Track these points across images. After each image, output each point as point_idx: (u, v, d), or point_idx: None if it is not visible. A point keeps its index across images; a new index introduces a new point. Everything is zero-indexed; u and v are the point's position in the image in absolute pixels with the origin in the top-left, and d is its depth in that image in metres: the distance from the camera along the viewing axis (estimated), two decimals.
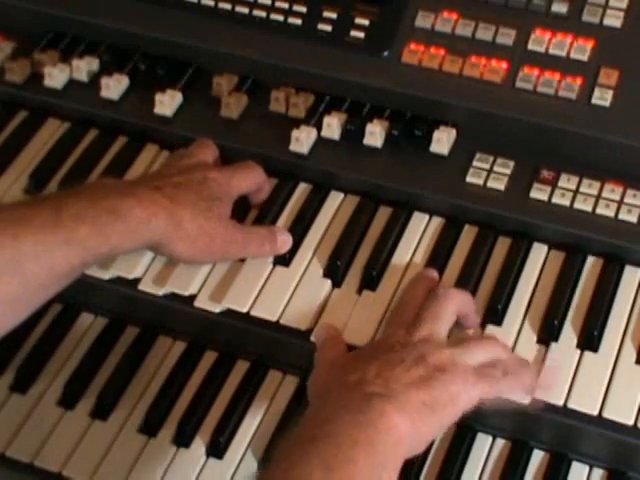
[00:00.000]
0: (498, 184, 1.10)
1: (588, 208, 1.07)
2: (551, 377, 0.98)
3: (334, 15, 1.18)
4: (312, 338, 1.04)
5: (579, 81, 1.10)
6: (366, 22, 1.17)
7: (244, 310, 1.06)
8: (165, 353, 1.14)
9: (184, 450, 1.07)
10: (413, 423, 0.88)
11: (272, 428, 1.07)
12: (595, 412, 0.97)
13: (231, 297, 1.07)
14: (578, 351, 1.01)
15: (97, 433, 1.09)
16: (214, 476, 1.05)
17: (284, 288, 1.08)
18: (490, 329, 1.03)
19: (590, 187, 1.08)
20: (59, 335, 1.17)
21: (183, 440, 1.07)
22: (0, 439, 1.09)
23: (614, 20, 1.12)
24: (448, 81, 1.13)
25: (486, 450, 1.03)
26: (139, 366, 1.14)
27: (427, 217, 1.13)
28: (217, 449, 1.06)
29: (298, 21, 1.19)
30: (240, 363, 1.12)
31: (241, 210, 1.14)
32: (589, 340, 1.01)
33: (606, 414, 0.96)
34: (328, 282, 1.08)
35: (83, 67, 1.24)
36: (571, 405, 0.97)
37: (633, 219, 1.06)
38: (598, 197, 1.08)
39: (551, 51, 1.12)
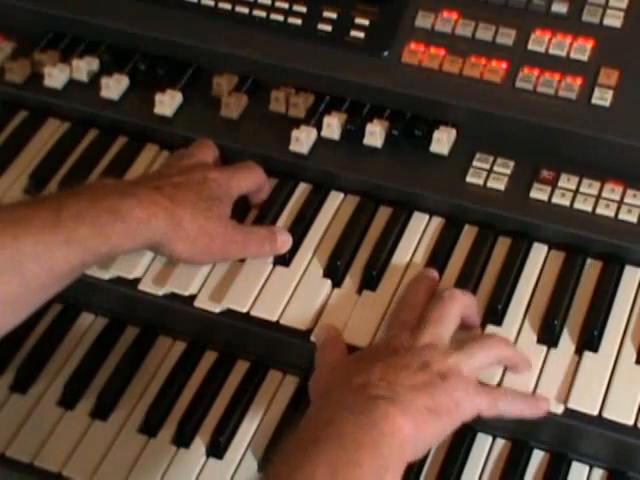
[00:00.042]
0: (498, 184, 1.10)
1: (588, 208, 1.07)
2: (544, 410, 0.98)
3: (334, 15, 1.18)
4: (312, 338, 1.04)
5: (579, 81, 1.10)
6: (366, 22, 1.17)
7: (244, 310, 1.06)
8: (165, 353, 1.14)
9: (184, 450, 1.07)
10: (417, 426, 0.88)
11: (272, 428, 1.07)
12: (595, 412, 0.97)
13: (231, 297, 1.07)
14: (578, 351, 1.01)
15: (97, 433, 1.09)
16: (214, 476, 1.05)
17: (284, 288, 1.08)
18: (490, 329, 1.03)
19: (590, 187, 1.08)
20: (59, 335, 1.17)
21: (183, 440, 1.07)
22: (0, 439, 1.09)
23: (614, 20, 1.12)
24: (448, 81, 1.13)
25: (486, 450, 1.03)
26: (139, 366, 1.14)
27: (427, 217, 1.13)
28: (217, 449, 1.06)
29: (298, 21, 1.19)
30: (240, 363, 1.13)
31: (241, 210, 1.14)
32: (589, 340, 1.01)
33: (606, 414, 0.96)
34: (328, 282, 1.08)
35: (83, 67, 1.24)
36: (571, 405, 0.97)
37: (633, 219, 1.06)
38: (598, 197, 1.08)
39: (551, 51, 1.12)
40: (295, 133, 1.15)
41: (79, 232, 0.96)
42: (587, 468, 1.02)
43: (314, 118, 1.17)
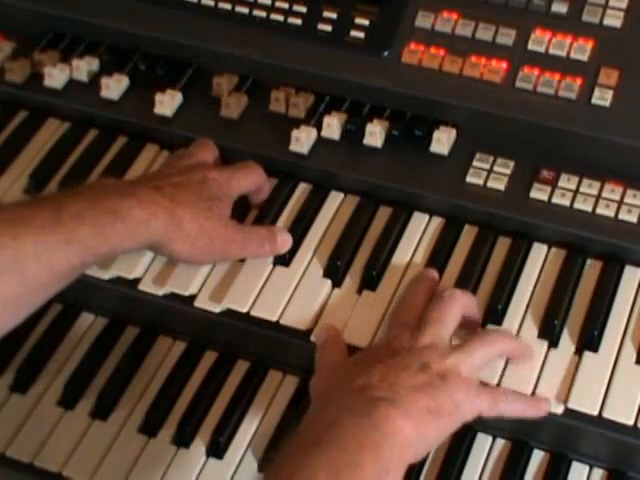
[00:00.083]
0: (498, 184, 1.10)
1: (588, 208, 1.07)
2: (545, 411, 0.98)
3: (334, 15, 1.18)
4: (312, 338, 1.04)
5: (579, 81, 1.10)
6: (366, 22, 1.17)
7: (244, 310, 1.06)
8: (165, 353, 1.14)
9: (184, 450, 1.07)
10: (418, 427, 0.88)
11: (272, 428, 1.07)
12: (595, 412, 0.97)
13: (231, 297, 1.07)
14: (578, 351, 1.01)
15: (97, 433, 1.09)
16: (214, 476, 1.05)
17: (284, 288, 1.08)
18: (490, 329, 1.03)
19: (590, 187, 1.08)
20: (59, 335, 1.17)
21: (183, 440, 1.07)
22: (0, 439, 1.09)
23: (614, 20, 1.12)
24: (448, 81, 1.13)
25: (486, 450, 1.03)
26: (139, 366, 1.14)
27: (427, 217, 1.13)
28: (217, 449, 1.06)
29: (298, 21, 1.19)
30: (240, 363, 1.13)
31: (241, 210, 1.14)
32: (589, 340, 1.01)
33: (606, 414, 0.96)
34: (328, 282, 1.08)
35: (83, 67, 1.24)
36: (571, 405, 0.97)
37: (633, 219, 1.06)
38: (598, 197, 1.08)
39: (551, 51, 1.12)
40: (295, 133, 1.15)
41: (79, 232, 0.96)
42: (587, 468, 1.02)
43: (314, 118, 1.17)
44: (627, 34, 1.11)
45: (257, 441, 1.07)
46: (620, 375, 0.99)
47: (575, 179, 1.09)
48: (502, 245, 1.10)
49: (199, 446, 1.07)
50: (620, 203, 1.07)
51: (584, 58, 1.11)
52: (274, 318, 1.06)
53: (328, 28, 1.18)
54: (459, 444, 1.03)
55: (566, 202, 1.08)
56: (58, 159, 1.21)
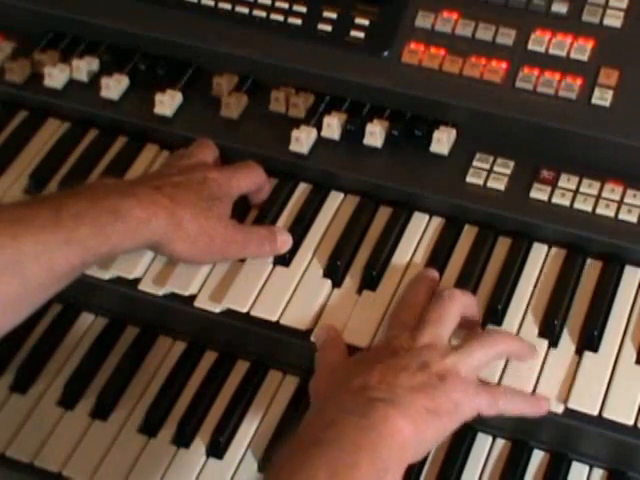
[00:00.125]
0: (498, 184, 1.10)
1: (588, 208, 1.07)
2: (545, 409, 0.98)
3: (334, 15, 1.18)
4: (312, 339, 1.04)
5: (579, 81, 1.10)
6: (366, 22, 1.17)
7: (244, 310, 1.06)
8: (165, 353, 1.14)
9: (184, 450, 1.07)
10: (417, 428, 0.88)
11: (272, 428, 1.07)
12: (595, 412, 0.97)
13: (231, 297, 1.07)
14: (578, 351, 1.01)
15: (97, 433, 1.09)
16: (214, 476, 1.05)
17: (284, 288, 1.08)
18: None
19: (590, 187, 1.08)
20: (59, 335, 1.17)
21: (183, 440, 1.07)
22: (0, 439, 1.09)
23: (614, 20, 1.12)
24: (448, 81, 1.13)
25: (486, 450, 1.03)
26: (139, 366, 1.14)
27: (427, 217, 1.13)
28: (217, 449, 1.06)
29: (298, 21, 1.19)
30: (240, 363, 1.13)
31: (241, 210, 1.14)
32: (589, 340, 1.01)
33: (606, 414, 0.96)
34: (328, 282, 1.08)
35: (83, 67, 1.24)
36: (571, 405, 0.97)
37: (633, 219, 1.06)
38: (598, 197, 1.08)
39: (551, 51, 1.12)
40: (295, 133, 1.15)
41: (79, 232, 0.96)
42: (587, 468, 1.02)
43: (314, 118, 1.17)
44: (627, 34, 1.11)
45: (257, 441, 1.07)
46: (620, 375, 0.99)
47: (575, 179, 1.09)
48: (502, 245, 1.10)
49: (199, 446, 1.07)
50: (620, 203, 1.07)
51: (584, 58, 1.11)
52: (274, 318, 1.06)
53: (328, 28, 1.18)
54: (459, 444, 1.03)
55: (566, 202, 1.08)
56: (58, 159, 1.21)
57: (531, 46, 1.12)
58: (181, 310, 1.10)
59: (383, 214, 1.13)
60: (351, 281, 1.08)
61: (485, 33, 1.14)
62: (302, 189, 1.16)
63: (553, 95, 1.10)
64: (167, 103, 1.19)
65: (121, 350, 1.15)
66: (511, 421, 1.00)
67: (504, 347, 0.98)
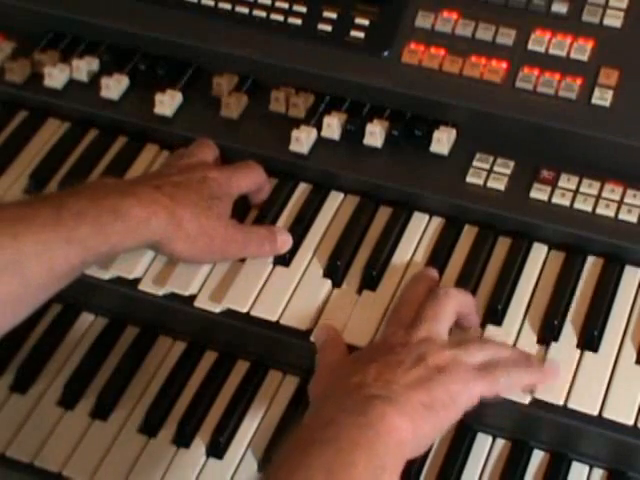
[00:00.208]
0: (498, 184, 1.10)
1: (588, 208, 1.07)
2: (551, 376, 0.98)
3: (334, 15, 1.18)
4: (312, 339, 1.04)
5: (579, 81, 1.10)
6: (366, 22, 1.17)
7: (244, 310, 1.06)
8: (165, 353, 1.14)
9: (184, 450, 1.07)
10: (414, 424, 0.88)
11: (272, 428, 1.07)
12: (595, 412, 0.97)
13: (231, 297, 1.07)
14: (578, 351, 1.01)
15: (97, 433, 1.09)
16: (214, 476, 1.05)
17: (284, 288, 1.08)
18: (490, 329, 1.03)
19: (590, 187, 1.08)
20: (59, 335, 1.17)
21: (183, 440, 1.07)
22: (0, 439, 1.09)
23: (614, 20, 1.12)
24: (448, 81, 1.13)
25: (486, 450, 1.03)
26: (139, 366, 1.14)
27: (427, 217, 1.13)
28: (217, 449, 1.06)
29: (298, 21, 1.19)
30: (240, 363, 1.12)
31: (241, 210, 1.14)
32: (589, 340, 1.01)
33: (606, 414, 0.96)
34: (328, 282, 1.08)
35: (83, 67, 1.24)
36: (571, 405, 0.97)
37: (633, 219, 1.06)
38: (598, 197, 1.08)
39: (551, 51, 1.12)
40: (295, 133, 1.15)
41: (79, 231, 0.96)
42: (587, 468, 1.02)
43: (314, 118, 1.17)
44: (627, 34, 1.11)
45: (257, 441, 1.07)
46: (620, 375, 0.99)
47: (575, 179, 1.09)
48: (502, 245, 1.10)
49: (199, 446, 1.07)
50: (620, 203, 1.07)
51: (584, 58, 1.11)
52: (274, 318, 1.06)
53: (328, 28, 1.18)
54: (459, 444, 1.03)
55: (566, 202, 1.08)
56: (58, 159, 1.21)
57: (531, 46, 1.12)
58: (181, 310, 1.10)
59: (383, 214, 1.13)
60: (351, 281, 1.08)
61: (485, 33, 1.14)
62: (302, 189, 1.16)
63: (553, 95, 1.10)
64: (167, 103, 1.19)
65: (121, 350, 1.15)
66: (511, 421, 1.00)
67: (499, 352, 0.97)
